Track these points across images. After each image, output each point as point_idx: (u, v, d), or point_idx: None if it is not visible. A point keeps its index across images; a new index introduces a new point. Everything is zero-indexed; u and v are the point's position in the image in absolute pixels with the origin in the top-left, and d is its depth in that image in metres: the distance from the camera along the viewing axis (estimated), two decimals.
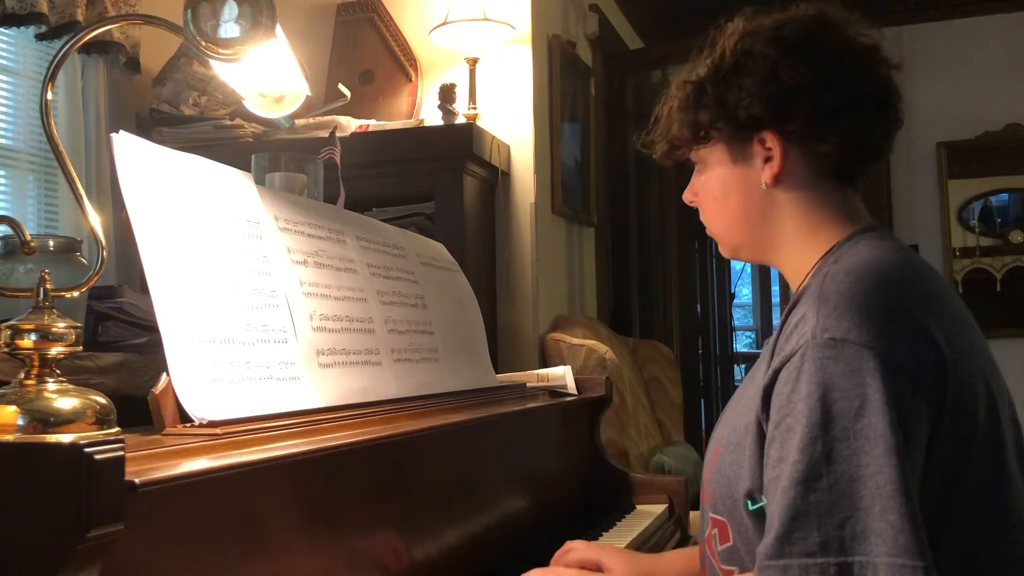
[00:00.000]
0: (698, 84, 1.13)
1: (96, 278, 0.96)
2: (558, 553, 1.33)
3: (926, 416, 0.92)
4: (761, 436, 0.99)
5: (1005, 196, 4.79)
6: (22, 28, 2.50)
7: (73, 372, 0.98)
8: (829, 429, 0.90)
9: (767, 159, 1.10)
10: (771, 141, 1.09)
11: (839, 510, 0.88)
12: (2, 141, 2.57)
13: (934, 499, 0.93)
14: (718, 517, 1.08)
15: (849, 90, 1.08)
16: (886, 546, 0.86)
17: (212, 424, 0.93)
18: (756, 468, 1.00)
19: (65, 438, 0.72)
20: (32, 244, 0.93)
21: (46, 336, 0.81)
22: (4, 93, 2.59)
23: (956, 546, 0.95)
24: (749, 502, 1.02)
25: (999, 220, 4.77)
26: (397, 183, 2.65)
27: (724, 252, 1.23)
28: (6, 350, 0.81)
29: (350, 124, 2.73)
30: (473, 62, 2.83)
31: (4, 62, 2.59)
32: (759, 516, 1.00)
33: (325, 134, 2.14)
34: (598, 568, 1.29)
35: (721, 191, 1.15)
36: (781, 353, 0.98)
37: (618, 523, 1.74)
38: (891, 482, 0.87)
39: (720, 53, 1.13)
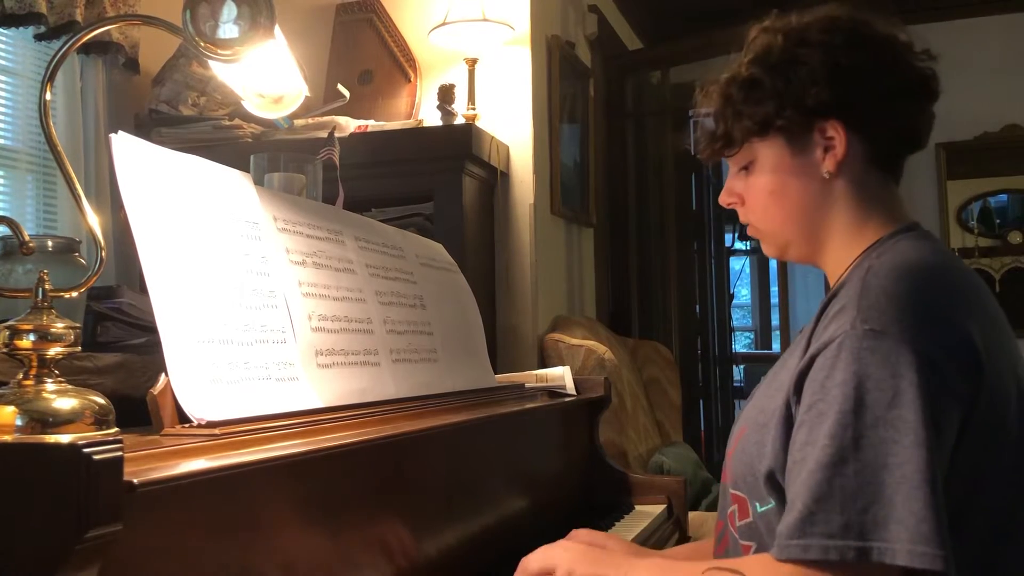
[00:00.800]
0: (751, 79, 1.14)
1: (95, 278, 0.96)
2: (571, 533, 1.35)
3: (957, 415, 0.94)
4: (788, 419, 1.01)
5: (1004, 197, 4.79)
6: (21, 28, 2.50)
7: (72, 372, 0.98)
8: (861, 417, 0.93)
9: (826, 148, 1.12)
10: (832, 129, 1.11)
11: (863, 496, 0.90)
12: (1, 141, 2.57)
13: (957, 496, 0.94)
14: (738, 494, 1.10)
15: (903, 75, 1.12)
16: (907, 534, 0.88)
17: (211, 424, 0.93)
18: (780, 450, 1.02)
19: (64, 438, 0.72)
20: (31, 244, 0.93)
21: (45, 336, 0.80)
22: (3, 93, 2.59)
23: (976, 543, 0.96)
24: (758, 504, 1.04)
25: (998, 221, 4.78)
26: (396, 183, 2.66)
27: (770, 251, 1.23)
28: (5, 350, 0.81)
29: (349, 124, 2.74)
30: (472, 63, 2.83)
31: (3, 62, 2.59)
32: (776, 488, 1.02)
33: (324, 134, 2.13)
34: None
35: (779, 184, 1.16)
36: (818, 341, 1.00)
37: (617, 523, 1.74)
38: (918, 472, 0.89)
39: (765, 48, 1.14)
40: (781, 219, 1.17)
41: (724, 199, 1.23)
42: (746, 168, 1.19)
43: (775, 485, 1.02)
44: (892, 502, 0.89)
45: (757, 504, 1.07)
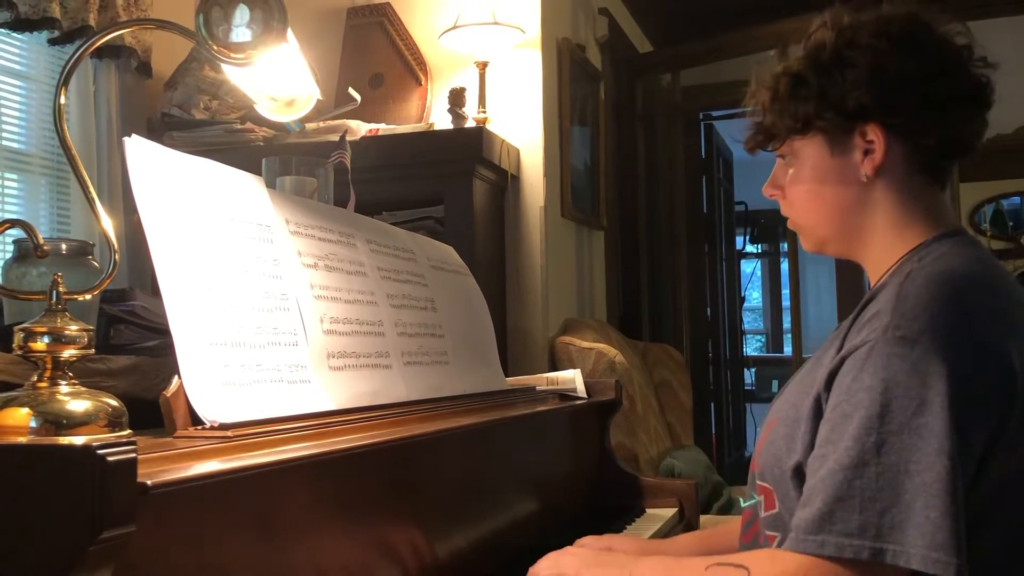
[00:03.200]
0: (798, 75, 1.13)
1: (108, 281, 0.96)
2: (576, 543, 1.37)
3: (986, 428, 0.94)
4: (818, 417, 1.02)
5: (1017, 199, 4.78)
6: (35, 33, 2.52)
7: (85, 375, 0.99)
8: (886, 422, 0.93)
9: (866, 152, 1.11)
10: (873, 133, 1.10)
11: (882, 499, 0.91)
12: (15, 145, 2.58)
13: (978, 507, 0.94)
14: (765, 485, 1.11)
15: (952, 84, 1.10)
16: (924, 540, 0.88)
17: (223, 427, 0.94)
18: (808, 446, 1.02)
19: (78, 440, 0.72)
20: (45, 247, 0.94)
21: (59, 339, 0.81)
22: (17, 97, 2.61)
23: (993, 556, 0.96)
24: (783, 497, 1.05)
25: (1011, 223, 4.76)
26: (407, 187, 2.66)
27: (808, 246, 1.22)
28: (19, 353, 0.82)
29: (360, 128, 2.74)
30: (483, 66, 2.83)
31: (17, 67, 2.61)
32: (801, 483, 1.02)
33: (335, 138, 2.14)
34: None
35: (817, 182, 1.15)
36: (851, 342, 1.01)
37: (628, 526, 1.74)
38: (939, 481, 0.89)
39: (817, 44, 1.13)
40: (818, 217, 1.17)
41: (767, 190, 1.23)
42: (789, 162, 1.18)
43: (801, 479, 1.02)
44: (911, 507, 0.90)
45: (782, 497, 1.08)
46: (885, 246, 1.13)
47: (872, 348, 0.96)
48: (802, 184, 1.16)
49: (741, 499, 1.23)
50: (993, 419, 0.94)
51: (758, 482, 1.14)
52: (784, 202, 1.21)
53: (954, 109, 1.10)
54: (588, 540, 1.37)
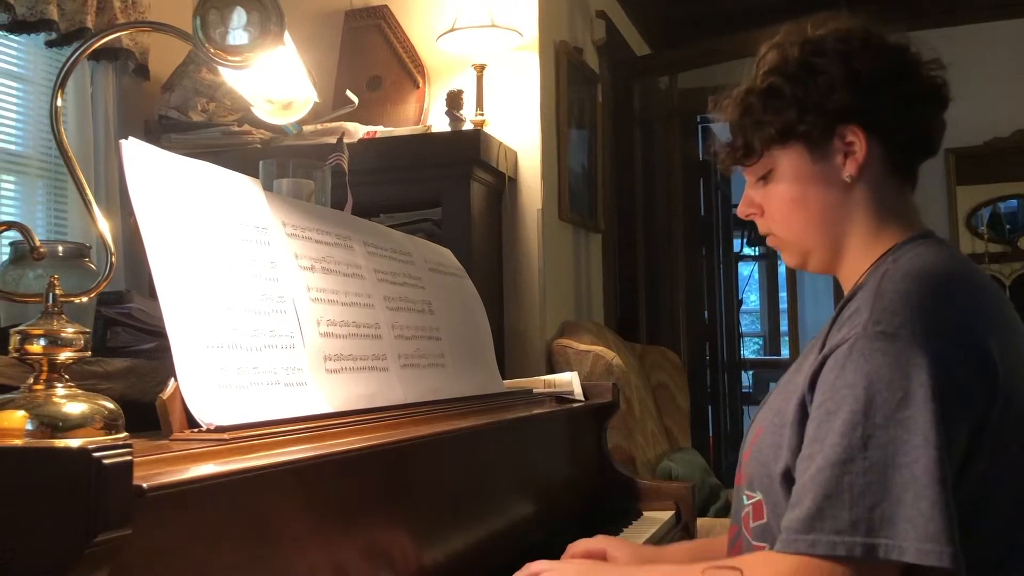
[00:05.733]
0: (771, 88, 1.15)
1: (105, 283, 0.96)
2: (568, 548, 1.36)
3: (970, 418, 0.95)
4: (803, 420, 1.02)
5: (1014, 202, 4.77)
6: (32, 35, 2.52)
7: (81, 377, 0.98)
8: (871, 417, 0.93)
9: (847, 154, 1.13)
10: (852, 134, 1.12)
11: (872, 494, 0.91)
12: (12, 147, 2.58)
13: (971, 497, 0.94)
14: (754, 495, 1.11)
15: (917, 85, 1.13)
16: (915, 532, 0.89)
17: (220, 429, 0.94)
18: (795, 449, 1.02)
19: (74, 443, 0.72)
20: (41, 250, 0.94)
21: (55, 341, 0.81)
22: (14, 99, 2.60)
23: (987, 546, 0.96)
24: (773, 505, 1.04)
25: (1008, 227, 4.76)
26: (404, 189, 2.66)
27: (790, 261, 1.23)
28: (15, 355, 0.82)
29: (358, 130, 2.74)
30: (480, 68, 2.83)
31: (14, 69, 2.61)
32: (790, 489, 1.02)
33: (333, 140, 2.14)
34: (603, 557, 1.32)
35: (799, 192, 1.17)
36: (832, 341, 1.01)
37: (625, 529, 1.74)
38: (927, 472, 0.90)
39: (781, 59, 1.16)
40: (802, 227, 1.18)
41: (743, 211, 1.24)
42: (764, 178, 1.19)
43: (790, 484, 1.02)
44: (901, 500, 0.90)
45: (772, 505, 1.07)
46: (862, 251, 1.14)
47: (853, 345, 0.97)
48: (784, 195, 1.18)
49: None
50: (976, 411, 0.95)
51: (746, 491, 1.13)
52: (763, 219, 1.22)
53: (921, 108, 1.14)
54: (580, 543, 1.36)
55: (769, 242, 1.23)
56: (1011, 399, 0.97)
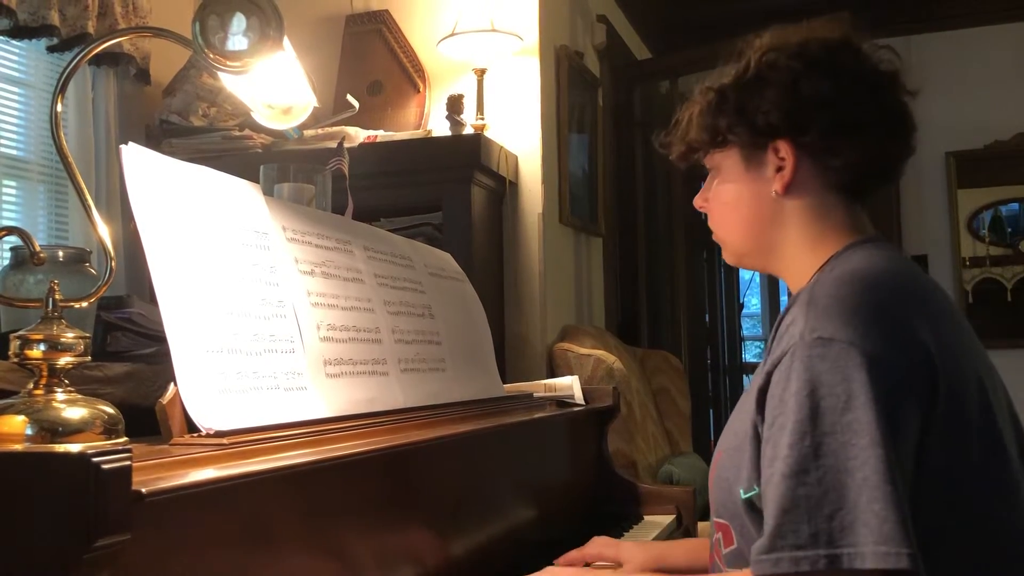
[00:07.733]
0: (720, 91, 1.17)
1: (105, 288, 0.96)
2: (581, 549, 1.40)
3: (916, 411, 0.94)
4: (758, 439, 1.01)
5: (1015, 206, 4.77)
6: (33, 40, 2.53)
7: (81, 382, 0.99)
8: (817, 424, 0.92)
9: (779, 168, 1.13)
10: (784, 151, 1.12)
11: (828, 503, 0.90)
12: (13, 152, 2.58)
13: (932, 494, 0.94)
14: (721, 521, 1.10)
15: (865, 111, 1.11)
16: (872, 535, 0.87)
17: (219, 434, 0.94)
18: (754, 471, 1.01)
19: (73, 448, 0.72)
20: (42, 255, 0.94)
21: (55, 346, 0.81)
22: (15, 104, 2.61)
23: (953, 539, 0.95)
24: (742, 490, 1.03)
25: (1009, 230, 4.75)
26: (405, 193, 2.66)
27: (728, 259, 1.25)
28: (15, 360, 0.82)
29: (358, 135, 2.75)
30: (481, 73, 2.84)
31: (16, 74, 2.61)
32: (755, 510, 1.01)
33: (333, 145, 2.14)
34: (617, 564, 1.34)
35: (732, 197, 1.18)
36: (772, 356, 1.01)
37: (626, 533, 1.73)
38: (876, 473, 0.88)
39: (745, 64, 1.16)
40: (734, 228, 1.20)
41: (696, 202, 1.26)
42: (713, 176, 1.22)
43: (754, 508, 1.01)
44: (856, 505, 0.88)
45: (739, 529, 1.06)
46: (801, 261, 1.14)
47: (793, 355, 0.96)
48: (721, 195, 1.20)
49: None
50: (921, 402, 0.94)
51: (715, 519, 1.12)
52: (709, 215, 1.23)
53: (867, 135, 1.11)
54: (600, 540, 1.39)
55: (714, 238, 1.24)
56: (955, 390, 0.96)
